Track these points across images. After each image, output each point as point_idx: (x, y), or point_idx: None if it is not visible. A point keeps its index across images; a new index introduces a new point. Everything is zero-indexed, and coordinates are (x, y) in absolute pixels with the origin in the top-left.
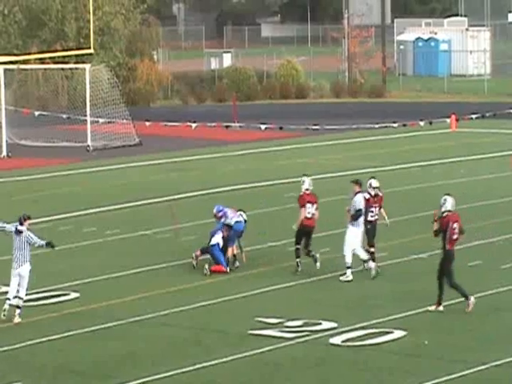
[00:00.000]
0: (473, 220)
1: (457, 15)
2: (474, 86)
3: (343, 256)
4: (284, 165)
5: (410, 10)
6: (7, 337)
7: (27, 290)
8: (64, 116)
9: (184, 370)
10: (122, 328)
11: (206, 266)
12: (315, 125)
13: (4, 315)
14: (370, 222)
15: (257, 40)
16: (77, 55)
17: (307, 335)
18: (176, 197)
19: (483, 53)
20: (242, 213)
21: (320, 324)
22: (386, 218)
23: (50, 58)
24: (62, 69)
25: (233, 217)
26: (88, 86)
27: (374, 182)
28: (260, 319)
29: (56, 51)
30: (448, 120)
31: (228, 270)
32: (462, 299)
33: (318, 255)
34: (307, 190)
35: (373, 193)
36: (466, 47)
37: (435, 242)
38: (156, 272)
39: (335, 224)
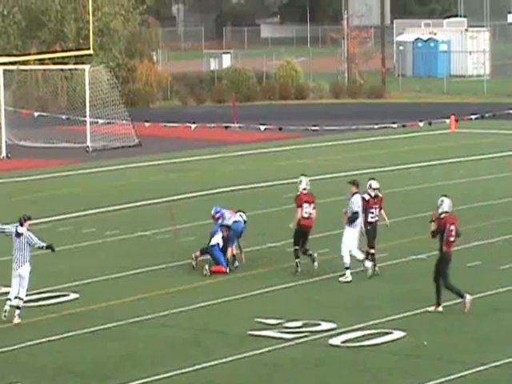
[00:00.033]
0: (472, 220)
1: (456, 16)
2: (473, 86)
3: (341, 257)
4: (283, 165)
5: (410, 11)
6: (6, 337)
7: (27, 290)
8: (63, 117)
9: (183, 370)
10: (121, 329)
11: (206, 267)
12: (314, 125)
13: (5, 316)
14: (371, 223)
15: (256, 41)
16: (76, 56)
17: (306, 336)
18: (175, 197)
19: (482, 53)
20: (241, 213)
21: (319, 325)
22: (386, 219)
23: (50, 58)
24: (62, 69)
25: (230, 217)
26: (87, 87)
27: (374, 183)
28: (259, 320)
29: (55, 52)
30: (447, 121)
31: (228, 270)
32: (463, 300)
33: (315, 254)
34: (304, 189)
35: (373, 194)
36: (466, 48)
37: (434, 242)
38: (155, 273)
39: (334, 225)
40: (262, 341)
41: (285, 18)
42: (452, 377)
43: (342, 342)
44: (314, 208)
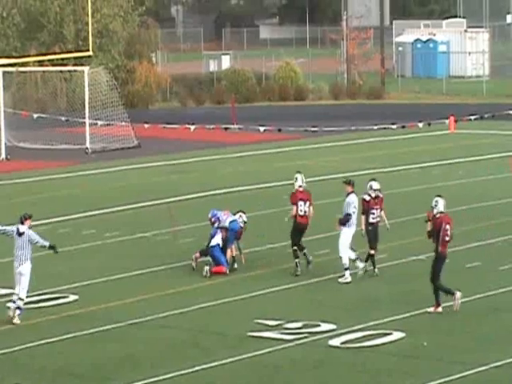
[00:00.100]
0: (471, 221)
1: (455, 17)
2: (472, 87)
3: (340, 258)
4: (283, 167)
5: (409, 12)
6: (6, 339)
7: (27, 292)
8: (63, 118)
9: (183, 372)
10: (120, 330)
11: (206, 268)
12: (314, 126)
13: (14, 316)
14: (372, 224)
15: (255, 42)
16: (75, 57)
17: (306, 337)
18: (175, 199)
19: (482, 54)
20: (242, 213)
21: (319, 326)
22: (387, 221)
23: (49, 60)
24: (61, 71)
25: (226, 218)
26: (87, 89)
27: (375, 184)
28: (259, 321)
29: (55, 53)
30: (447, 121)
31: (228, 271)
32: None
33: (311, 258)
34: (300, 186)
35: (373, 195)
36: (465, 48)
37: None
38: (155, 274)
39: (334, 226)
40: (262, 342)
41: (284, 19)
42: (452, 377)
43: (342, 343)
44: (310, 205)
